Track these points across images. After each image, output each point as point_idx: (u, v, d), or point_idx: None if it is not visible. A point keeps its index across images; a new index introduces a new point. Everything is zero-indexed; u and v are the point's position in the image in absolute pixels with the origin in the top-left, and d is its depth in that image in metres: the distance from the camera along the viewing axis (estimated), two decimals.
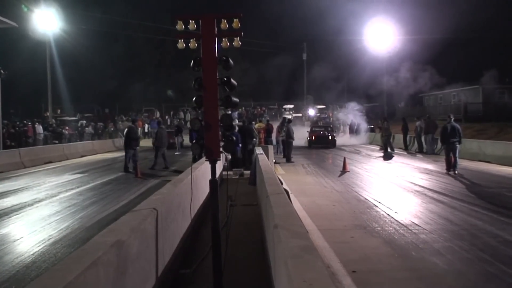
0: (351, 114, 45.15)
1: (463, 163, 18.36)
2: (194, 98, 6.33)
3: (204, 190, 11.10)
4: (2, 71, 27.30)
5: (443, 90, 50.88)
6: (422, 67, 44.28)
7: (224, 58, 6.30)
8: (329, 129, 37.12)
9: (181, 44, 6.44)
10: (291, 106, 59.51)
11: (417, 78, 44.23)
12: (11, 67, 35.43)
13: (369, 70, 49.70)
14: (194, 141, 6.30)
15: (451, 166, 18.08)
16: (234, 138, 6.52)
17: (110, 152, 34.76)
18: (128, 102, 58.07)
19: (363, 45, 49.96)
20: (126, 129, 21.80)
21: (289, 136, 24.88)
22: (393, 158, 24.59)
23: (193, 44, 6.43)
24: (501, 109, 40.58)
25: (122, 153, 30.41)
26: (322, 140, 34.36)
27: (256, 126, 29.95)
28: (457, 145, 18.19)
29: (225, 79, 6.34)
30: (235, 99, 6.44)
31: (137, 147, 20.94)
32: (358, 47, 50.54)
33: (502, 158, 21.56)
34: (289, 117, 34.13)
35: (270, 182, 8.15)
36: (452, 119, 18.83)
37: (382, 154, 26.65)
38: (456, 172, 17.82)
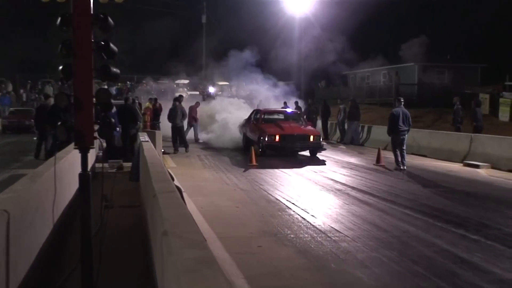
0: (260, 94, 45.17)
1: (393, 157, 19.09)
2: (60, 67, 6.15)
3: (71, 186, 10.83)
4: None
5: (371, 68, 52.51)
6: (347, 38, 45.32)
7: (101, 16, 6.17)
8: (301, 118, 26.49)
9: None
10: (186, 81, 59.26)
11: (341, 52, 45.22)
12: None
13: (286, 40, 50.17)
14: (60, 123, 6.12)
15: (400, 161, 18.67)
16: (112, 120, 6.41)
17: None
18: None
19: (279, 7, 50.14)
20: None
21: (173, 121, 25.07)
22: None
23: None
24: (440, 92, 42.31)
25: None
26: (297, 142, 22.32)
27: (146, 105, 29.58)
28: (406, 136, 18.90)
29: (103, 43, 6.22)
30: (115, 69, 6.33)
31: None
32: (273, 10, 50.79)
33: (439, 151, 22.62)
34: (181, 94, 30.25)
35: (158, 177, 8.08)
36: (403, 103, 19.43)
37: None
38: (405, 168, 18.51)
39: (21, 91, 52.03)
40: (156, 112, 28.92)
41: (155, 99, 31.21)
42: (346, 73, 57.78)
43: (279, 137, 22.29)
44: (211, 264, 3.86)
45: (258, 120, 24.69)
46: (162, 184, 7.45)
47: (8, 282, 5.53)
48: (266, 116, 25.48)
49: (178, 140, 24.85)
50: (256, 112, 26.14)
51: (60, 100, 6.07)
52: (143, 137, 16.58)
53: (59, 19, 6.08)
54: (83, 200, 6.11)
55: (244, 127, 26.43)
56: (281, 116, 26.24)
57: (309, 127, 24.40)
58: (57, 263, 7.87)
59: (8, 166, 18.98)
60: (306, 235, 9.78)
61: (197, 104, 30.61)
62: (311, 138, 22.52)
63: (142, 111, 27.19)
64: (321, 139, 23.14)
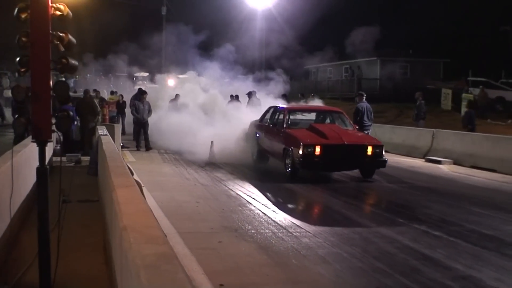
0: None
1: None
2: (18, 59, 6.12)
3: (27, 181, 10.73)
4: None
5: (333, 62, 52.77)
6: (309, 32, 45.36)
7: (59, 5, 6.15)
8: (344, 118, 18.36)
9: None
10: (145, 74, 58.86)
11: (302, 46, 45.27)
12: None
13: (247, 33, 50.03)
14: (17, 116, 6.09)
15: None
16: (71, 113, 6.38)
17: None
18: None
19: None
20: None
21: (141, 115, 23.24)
22: None
23: None
24: (402, 87, 42.81)
25: None
26: (348, 157, 15.80)
27: (108, 98, 29.27)
28: (370, 131, 19.08)
29: (61, 34, 6.19)
30: (73, 61, 6.31)
31: None
32: (235, 2, 50.67)
33: (401, 147, 22.94)
34: (141, 88, 28.15)
35: (117, 171, 8.07)
36: (364, 97, 19.63)
37: None
38: None
39: None
40: (119, 106, 28.69)
41: (121, 95, 30.89)
42: (307, 68, 57.98)
43: (321, 149, 15.22)
44: (171, 259, 3.89)
45: (280, 123, 17.49)
46: (121, 178, 7.44)
47: None
48: (292, 117, 18.10)
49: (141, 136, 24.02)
50: (274, 110, 18.73)
51: (17, 93, 6.03)
52: (102, 130, 16.48)
53: (16, 9, 6.04)
54: (41, 194, 6.08)
55: (256, 134, 19.01)
56: (311, 116, 19.24)
57: (362, 133, 17.83)
58: (14, 259, 7.80)
59: None
60: (267, 231, 9.84)
61: (177, 97, 28.67)
62: (369, 150, 15.60)
63: (104, 104, 26.98)
64: (383, 151, 15.87)
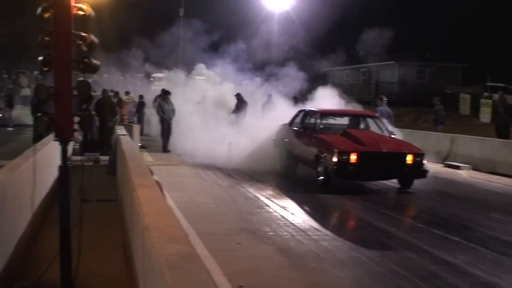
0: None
1: None
2: (41, 58, 6.15)
3: (47, 179, 10.81)
4: None
5: (350, 65, 52.60)
6: (327, 35, 45.25)
7: (82, 5, 6.19)
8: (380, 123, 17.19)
9: None
10: (162, 75, 58.75)
11: (320, 49, 45.16)
12: None
13: (264, 35, 49.89)
14: (40, 115, 6.12)
15: None
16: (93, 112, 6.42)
17: None
18: None
19: (257, 1, 49.97)
20: None
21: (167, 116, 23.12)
22: None
23: None
24: (419, 92, 42.62)
25: None
26: (386, 165, 14.74)
27: (125, 98, 29.38)
28: None
29: (83, 34, 6.22)
30: (95, 61, 6.34)
31: None
32: (252, 4, 50.60)
33: None
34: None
35: (137, 171, 8.10)
36: (385, 101, 19.43)
37: None
38: None
39: None
40: (139, 106, 28.77)
41: (141, 95, 30.98)
42: (325, 71, 57.79)
43: (357, 156, 14.19)
44: (194, 259, 3.90)
45: (312, 127, 16.47)
46: (141, 178, 7.46)
47: None
48: (325, 121, 16.91)
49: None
50: (305, 114, 17.65)
51: (41, 92, 6.06)
52: (121, 130, 16.55)
53: (40, 9, 6.07)
54: (63, 193, 6.10)
55: (285, 139, 17.85)
56: (344, 121, 17.76)
57: (401, 140, 16.82)
58: (34, 256, 7.84)
59: None
60: (286, 233, 9.82)
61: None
62: (409, 158, 14.58)
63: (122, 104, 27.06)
64: (424, 160, 14.85)
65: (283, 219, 10.93)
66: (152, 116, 27.49)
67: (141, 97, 30.59)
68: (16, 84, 49.07)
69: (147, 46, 55.48)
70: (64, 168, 6.16)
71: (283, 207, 12.04)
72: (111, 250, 8.16)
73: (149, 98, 30.40)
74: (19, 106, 36.99)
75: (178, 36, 60.72)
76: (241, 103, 26.25)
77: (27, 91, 44.20)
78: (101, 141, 19.95)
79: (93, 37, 6.25)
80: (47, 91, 6.04)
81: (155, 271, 3.92)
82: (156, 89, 32.23)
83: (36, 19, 6.19)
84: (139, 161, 9.50)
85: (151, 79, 57.14)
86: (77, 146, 16.14)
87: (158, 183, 8.85)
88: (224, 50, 41.80)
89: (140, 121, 28.44)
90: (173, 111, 23.15)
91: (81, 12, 6.18)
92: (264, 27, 47.52)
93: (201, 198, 12.80)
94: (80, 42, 6.17)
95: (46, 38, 6.08)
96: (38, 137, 19.24)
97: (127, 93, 30.83)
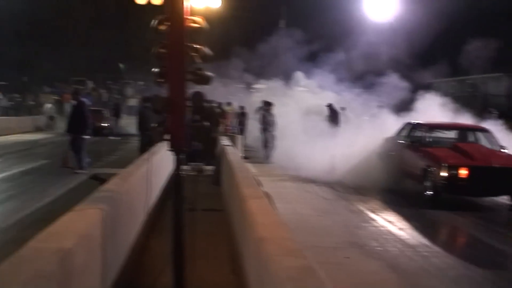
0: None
1: None
2: (155, 70, 6.28)
3: (155, 187, 11.02)
4: None
5: (455, 77, 51.33)
6: (430, 44, 44.34)
7: (196, 18, 6.29)
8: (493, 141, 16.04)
9: None
10: (263, 86, 59.01)
11: (426, 59, 44.32)
12: None
13: (365, 46, 49.34)
14: (155, 125, 6.26)
15: None
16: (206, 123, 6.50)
17: (30, 132, 34.36)
18: (52, 69, 57.05)
19: (359, 12, 49.55)
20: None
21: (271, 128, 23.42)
22: None
23: None
24: None
25: (44, 135, 30.09)
26: (499, 181, 14.06)
27: (227, 109, 29.70)
28: None
29: (197, 46, 6.31)
30: (208, 73, 6.42)
31: None
32: (353, 14, 50.20)
33: None
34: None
35: (246, 182, 8.15)
36: (495, 114, 18.85)
37: None
38: None
39: (102, 91, 53.29)
40: (241, 117, 29.03)
41: (242, 106, 31.30)
42: (429, 82, 56.65)
43: (468, 171, 13.67)
44: (314, 273, 3.86)
45: (419, 141, 16.07)
46: (251, 189, 7.50)
47: (104, 279, 5.65)
48: (432, 134, 16.41)
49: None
50: (412, 126, 17.22)
51: (158, 103, 6.19)
52: (225, 141, 16.71)
53: (155, 21, 6.20)
54: (176, 202, 6.19)
55: (390, 152, 17.40)
56: (452, 134, 17.29)
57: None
58: (145, 264, 7.99)
59: (94, 164, 19.37)
60: (394, 249, 9.65)
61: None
62: None
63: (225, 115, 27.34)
64: None
65: (390, 234, 10.74)
66: (253, 127, 27.68)
67: (242, 108, 30.86)
68: (122, 95, 50.66)
69: (247, 56, 56.08)
70: (178, 178, 6.25)
71: (390, 222, 11.85)
72: (217, 259, 8.22)
73: (250, 109, 30.66)
74: (124, 115, 38.07)
75: (277, 47, 61.03)
76: (333, 114, 26.15)
77: (133, 101, 45.61)
78: (204, 151, 20.19)
79: (206, 49, 6.34)
80: (163, 102, 6.15)
81: (275, 284, 3.89)
82: (256, 100, 32.35)
83: (151, 31, 6.32)
84: (246, 172, 9.56)
85: (251, 90, 57.53)
86: (182, 156, 16.38)
87: (267, 194, 8.84)
88: (323, 60, 41.70)
89: (242, 132, 28.68)
90: (274, 122, 23.25)
91: (195, 25, 6.28)
92: (365, 38, 47.11)
93: (305, 210, 12.76)
94: (194, 54, 6.26)
95: (161, 50, 6.21)
96: (144, 146, 19.77)
97: (229, 104, 31.14)
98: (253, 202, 6.49)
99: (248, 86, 57.98)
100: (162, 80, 6.24)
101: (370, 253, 9.35)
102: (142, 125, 19.09)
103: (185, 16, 6.09)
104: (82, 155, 17.01)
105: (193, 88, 6.53)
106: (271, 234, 4.90)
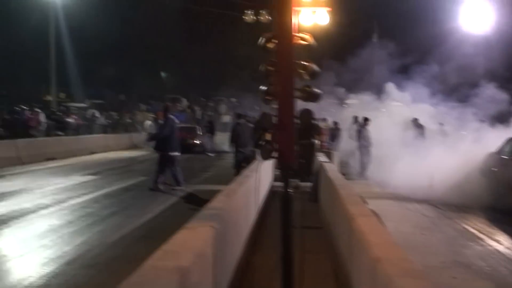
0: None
1: None
2: (263, 87, 6.30)
3: (255, 205, 11.06)
4: None
5: None
6: None
7: (304, 35, 6.29)
8: None
9: (249, 17, 6.46)
10: (355, 101, 58.51)
11: None
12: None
13: (461, 58, 48.07)
14: (264, 143, 6.27)
15: None
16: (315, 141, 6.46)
17: (127, 149, 35.39)
18: (148, 87, 58.48)
19: (453, 24, 48.43)
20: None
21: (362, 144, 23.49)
22: None
23: (264, 17, 6.44)
24: None
25: (141, 152, 30.78)
26: None
27: (323, 125, 29.62)
28: None
29: (305, 63, 6.31)
30: (316, 90, 6.40)
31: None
32: (447, 26, 49.07)
33: None
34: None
35: (351, 200, 8.05)
36: None
37: None
38: None
39: (195, 108, 54.08)
40: (335, 133, 28.94)
41: (335, 122, 31.20)
42: None
43: None
44: None
45: None
46: (357, 207, 7.40)
47: None
48: None
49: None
50: None
51: (266, 121, 6.20)
52: (323, 157, 16.62)
53: (262, 39, 6.24)
54: (285, 220, 6.19)
55: (492, 167, 16.57)
56: None
57: None
58: (250, 280, 8.01)
59: (190, 181, 19.68)
60: (504, 269, 9.32)
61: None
62: None
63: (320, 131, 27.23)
64: None
65: (498, 254, 10.39)
66: (345, 143, 27.48)
67: (335, 123, 30.76)
68: (215, 111, 51.31)
69: (339, 71, 55.77)
70: (286, 196, 6.24)
71: (496, 240, 11.46)
72: (320, 278, 8.16)
73: (343, 125, 30.48)
74: (218, 132, 38.52)
75: (370, 61, 60.41)
76: (418, 129, 25.62)
77: (227, 118, 46.16)
78: (300, 168, 20.13)
79: (314, 66, 6.32)
80: (271, 119, 6.17)
81: None
82: (348, 115, 32.17)
83: (259, 49, 6.36)
84: (349, 189, 9.44)
85: (344, 105, 57.14)
86: (277, 173, 16.39)
87: (374, 212, 8.72)
88: (416, 73, 40.92)
89: (336, 148, 28.53)
90: (370, 138, 23.08)
91: (303, 42, 6.28)
92: (460, 49, 45.97)
93: (407, 228, 12.51)
94: (302, 71, 6.26)
95: (269, 68, 6.24)
96: (238, 163, 19.88)
97: (324, 119, 31.05)
98: (361, 220, 6.39)
99: (341, 101, 57.62)
100: (270, 98, 6.26)
101: (478, 273, 9.07)
102: (236, 142, 19.26)
103: (293, 33, 6.11)
104: (177, 172, 17.20)
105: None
106: (386, 254, 4.80)
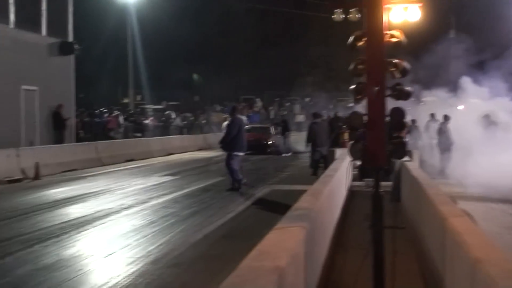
0: None
1: None
2: (353, 86, 6.26)
3: (337, 205, 10.99)
4: (76, 46, 28.42)
5: None
6: None
7: (394, 32, 6.21)
8: None
9: (338, 16, 6.41)
10: (432, 99, 57.43)
11: None
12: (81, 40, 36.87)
13: None
14: (353, 142, 6.23)
15: None
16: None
17: (202, 150, 35.75)
18: (221, 88, 58.92)
19: None
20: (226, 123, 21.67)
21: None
22: None
23: (354, 16, 6.39)
24: None
25: (216, 153, 31.06)
26: None
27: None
28: None
29: (396, 61, 6.23)
30: (408, 87, 6.31)
31: None
32: None
33: None
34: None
35: (439, 199, 7.89)
36: None
37: None
38: None
39: (270, 108, 54.28)
40: (413, 131, 28.56)
41: (413, 120, 30.79)
42: None
43: None
44: None
45: None
46: (448, 207, 7.24)
47: None
48: None
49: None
50: None
51: (356, 120, 6.15)
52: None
53: (352, 38, 6.19)
54: (376, 220, 6.15)
55: None
56: None
57: None
58: (334, 280, 7.97)
59: (267, 181, 19.73)
60: None
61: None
62: None
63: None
64: None
65: None
66: (422, 140, 27.03)
67: (413, 121, 30.30)
68: (289, 111, 51.35)
69: (415, 68, 54.53)
70: (377, 196, 6.18)
71: None
72: (408, 277, 8.03)
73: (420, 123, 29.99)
74: (292, 132, 38.47)
75: (446, 57, 59.04)
76: (491, 125, 24.90)
77: (300, 118, 46.13)
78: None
79: (405, 64, 6.24)
80: (360, 118, 6.11)
81: None
82: (424, 112, 31.63)
83: (347, 48, 6.32)
84: (437, 189, 9.27)
85: (420, 103, 56.12)
86: (355, 172, 16.27)
87: (466, 212, 8.54)
88: (494, 69, 39.81)
89: (414, 146, 28.12)
90: (450, 136, 22.64)
91: (393, 39, 6.21)
92: None
93: (493, 228, 12.19)
94: (393, 69, 6.18)
95: (359, 67, 6.19)
96: (315, 162, 19.80)
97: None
98: (455, 220, 6.25)
99: (417, 98, 56.43)
100: (360, 97, 6.21)
101: None
102: (313, 141, 19.19)
103: (383, 31, 6.04)
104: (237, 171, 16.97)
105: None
106: (486, 255, 4.67)
